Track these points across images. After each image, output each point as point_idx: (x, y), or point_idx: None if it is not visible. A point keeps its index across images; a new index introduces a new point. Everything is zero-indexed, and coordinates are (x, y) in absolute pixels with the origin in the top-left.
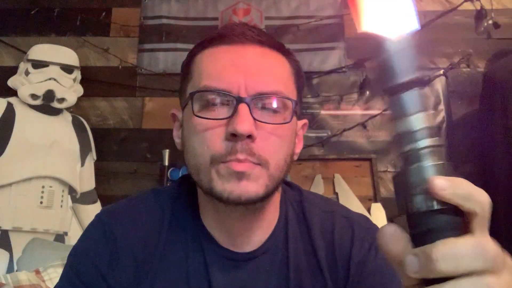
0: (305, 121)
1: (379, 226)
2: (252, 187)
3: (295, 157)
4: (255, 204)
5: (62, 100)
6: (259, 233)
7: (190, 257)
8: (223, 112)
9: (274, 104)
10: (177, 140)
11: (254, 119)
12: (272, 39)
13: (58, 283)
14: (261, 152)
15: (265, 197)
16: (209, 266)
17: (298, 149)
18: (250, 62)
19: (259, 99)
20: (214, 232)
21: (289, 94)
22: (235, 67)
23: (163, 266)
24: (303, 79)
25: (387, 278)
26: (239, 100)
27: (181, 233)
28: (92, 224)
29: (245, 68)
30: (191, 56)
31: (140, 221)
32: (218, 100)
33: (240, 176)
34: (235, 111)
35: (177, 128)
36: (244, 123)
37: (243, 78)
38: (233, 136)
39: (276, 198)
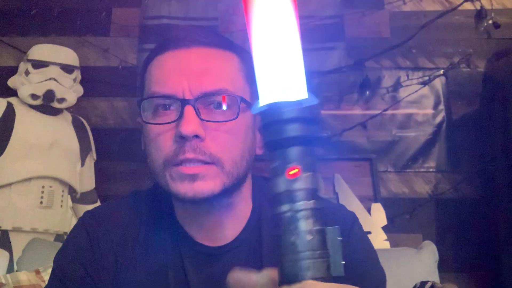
0: None
1: (379, 225)
2: (206, 187)
3: (259, 152)
4: (218, 202)
5: (62, 100)
6: (231, 227)
7: (168, 254)
8: (172, 116)
9: (219, 102)
10: (143, 147)
11: (201, 119)
12: (219, 38)
13: (46, 285)
14: (212, 150)
15: (225, 194)
16: (185, 261)
17: (261, 143)
18: (193, 64)
19: (203, 99)
20: (188, 229)
21: (236, 91)
22: (178, 71)
23: (143, 263)
24: None
25: (362, 261)
26: (184, 102)
27: (158, 231)
28: (75, 227)
29: (188, 71)
30: (144, 66)
31: (119, 221)
32: (165, 104)
33: (193, 178)
34: (181, 114)
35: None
36: (188, 124)
37: (187, 80)
38: (182, 138)
39: (246, 193)
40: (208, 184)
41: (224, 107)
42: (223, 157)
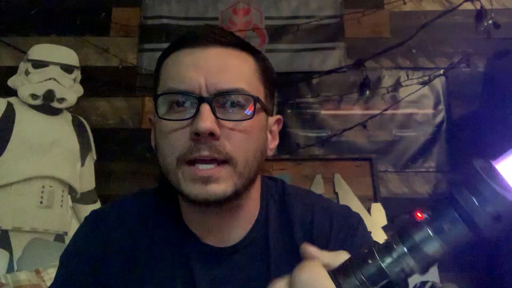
0: (278, 117)
1: (379, 225)
2: (219, 189)
3: (270, 153)
4: (228, 203)
5: (62, 100)
6: (238, 228)
7: (174, 254)
8: (188, 112)
9: (235, 101)
10: (152, 144)
11: (217, 117)
12: (236, 38)
13: (52, 284)
14: (227, 149)
15: (236, 196)
16: (192, 262)
17: (272, 145)
18: (211, 62)
19: (220, 97)
20: (194, 229)
21: (252, 91)
22: (196, 68)
23: (149, 263)
24: (272, 76)
25: None
26: (201, 99)
27: (165, 230)
28: (82, 226)
29: (206, 69)
30: (160, 61)
31: (126, 221)
32: (181, 101)
33: (206, 180)
34: (197, 111)
35: (153, 132)
36: (205, 121)
37: (204, 78)
38: (197, 135)
39: (255, 193)
40: (220, 186)
41: (240, 106)
42: (237, 156)
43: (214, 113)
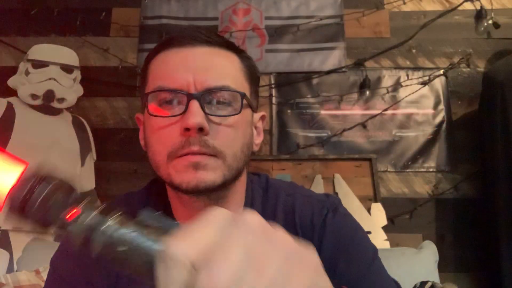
0: (262, 113)
1: (379, 225)
2: (209, 176)
3: (256, 148)
4: (216, 193)
5: (62, 100)
6: None
7: None
8: (177, 110)
9: (223, 98)
10: (141, 142)
11: (205, 113)
12: (221, 39)
13: (44, 287)
14: (216, 143)
15: (224, 186)
16: None
17: (258, 140)
18: (199, 61)
19: (208, 94)
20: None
21: (238, 88)
22: (184, 67)
23: None
24: (257, 74)
25: (346, 234)
26: (189, 96)
27: None
28: None
29: (194, 67)
30: (147, 61)
31: None
32: (170, 98)
33: (196, 166)
34: (186, 107)
35: (142, 130)
36: (194, 117)
37: (192, 76)
38: (187, 131)
39: (241, 187)
40: (210, 174)
41: (227, 103)
42: (225, 151)
43: (202, 109)
